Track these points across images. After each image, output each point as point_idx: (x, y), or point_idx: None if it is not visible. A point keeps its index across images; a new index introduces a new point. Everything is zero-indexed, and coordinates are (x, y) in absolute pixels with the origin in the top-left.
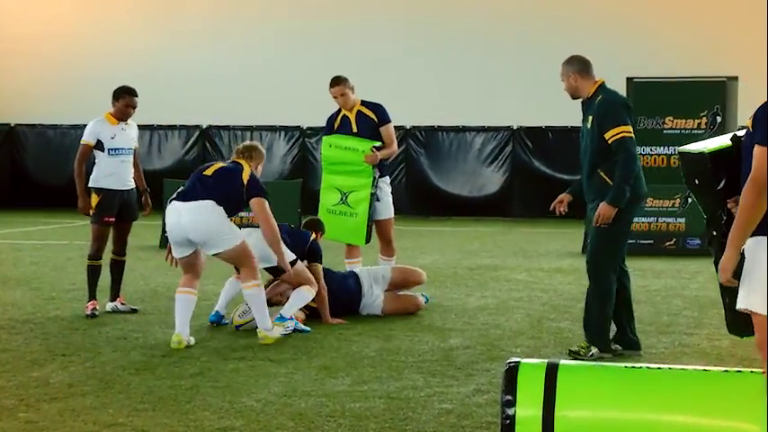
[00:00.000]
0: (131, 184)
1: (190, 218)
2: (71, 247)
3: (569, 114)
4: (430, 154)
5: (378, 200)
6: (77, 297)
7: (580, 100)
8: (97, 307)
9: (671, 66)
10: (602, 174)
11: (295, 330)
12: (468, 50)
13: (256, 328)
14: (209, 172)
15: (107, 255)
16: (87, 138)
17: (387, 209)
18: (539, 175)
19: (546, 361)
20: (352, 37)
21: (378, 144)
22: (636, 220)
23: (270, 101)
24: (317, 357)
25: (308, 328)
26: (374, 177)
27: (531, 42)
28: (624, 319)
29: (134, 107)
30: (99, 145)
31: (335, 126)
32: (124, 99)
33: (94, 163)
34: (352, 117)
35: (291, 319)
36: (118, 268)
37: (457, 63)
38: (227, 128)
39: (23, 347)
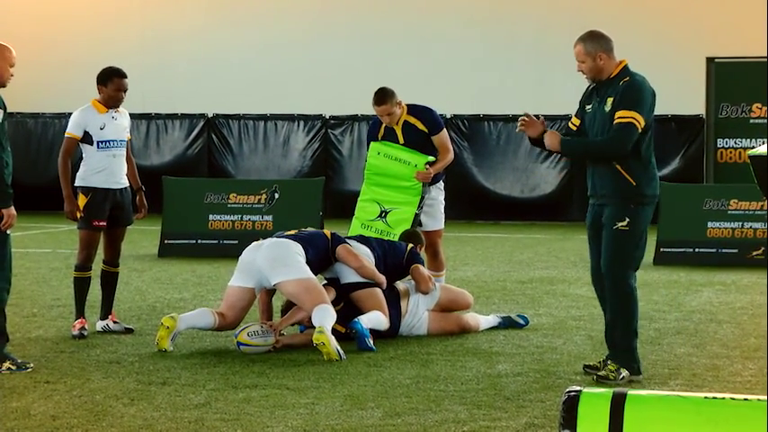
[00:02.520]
0: (125, 183)
1: (268, 250)
2: (55, 257)
3: None
4: (474, 148)
5: (424, 209)
6: (63, 314)
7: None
8: (86, 326)
9: (760, 43)
10: (618, 167)
11: (361, 348)
12: (519, 26)
13: (264, 352)
14: (289, 232)
15: (97, 265)
16: (73, 129)
17: (437, 220)
18: None
19: (611, 390)
20: (381, 13)
21: (432, 159)
22: (717, 225)
23: (287, 86)
24: (343, 385)
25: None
26: (422, 197)
27: (593, 17)
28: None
29: (125, 90)
30: (86, 137)
31: (379, 137)
32: (114, 83)
33: (81, 158)
34: (398, 129)
35: (367, 334)
36: (110, 281)
37: (506, 41)
38: (236, 117)
39: (0, 374)
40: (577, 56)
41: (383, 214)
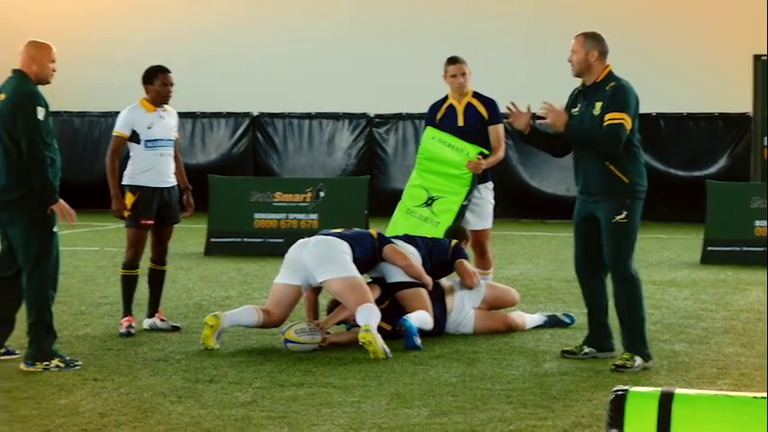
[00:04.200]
0: (172, 181)
1: (315, 247)
2: (102, 255)
3: (685, 99)
4: (519, 146)
5: (473, 208)
6: (110, 312)
7: (579, 85)
8: (133, 324)
9: None
10: (611, 167)
11: (408, 346)
12: (564, 23)
13: (310, 351)
14: (335, 230)
15: (144, 263)
16: (120, 128)
17: (485, 219)
18: (648, 170)
19: (659, 389)
20: (427, 13)
21: (486, 152)
22: (765, 223)
23: (332, 85)
24: (389, 384)
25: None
26: (471, 189)
27: (638, 16)
28: (601, 320)
29: (172, 84)
30: (134, 136)
31: (438, 117)
32: (159, 78)
33: (129, 157)
34: (460, 109)
35: (416, 332)
36: (157, 279)
37: (550, 36)
38: (281, 116)
39: (49, 371)
40: (574, 45)
41: (429, 201)
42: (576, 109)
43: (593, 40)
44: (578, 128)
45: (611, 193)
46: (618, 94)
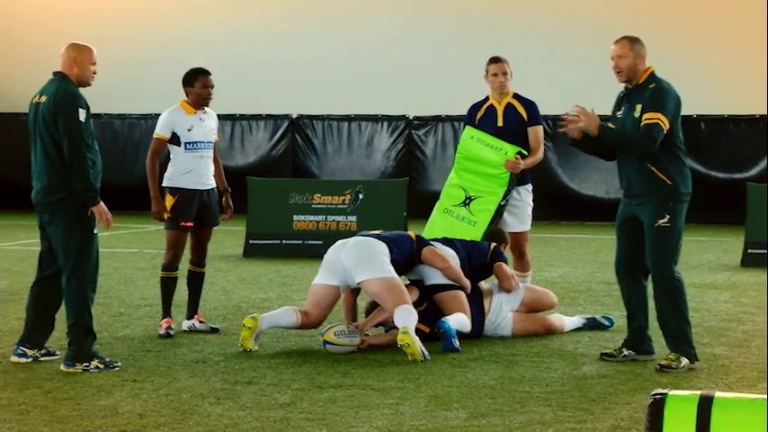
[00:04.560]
0: (211, 184)
1: (353, 248)
2: (142, 257)
3: (726, 101)
4: (559, 148)
5: (512, 210)
6: (149, 314)
7: (623, 89)
8: (172, 326)
9: None
10: (653, 169)
11: (447, 348)
12: (605, 27)
13: (348, 352)
14: (374, 231)
15: (183, 265)
16: (161, 130)
17: (524, 221)
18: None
19: (698, 393)
20: (466, 15)
21: (525, 152)
22: None
23: (371, 87)
24: (427, 386)
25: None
26: (508, 189)
27: (680, 18)
28: (641, 323)
29: (212, 87)
30: (174, 138)
31: (478, 117)
32: (199, 80)
33: (169, 159)
34: (500, 109)
35: (454, 334)
36: (196, 281)
37: (591, 40)
38: (320, 118)
39: (89, 372)
40: (620, 50)
41: (467, 201)
42: (621, 112)
43: (639, 44)
44: (612, 130)
45: (654, 196)
46: (656, 94)
